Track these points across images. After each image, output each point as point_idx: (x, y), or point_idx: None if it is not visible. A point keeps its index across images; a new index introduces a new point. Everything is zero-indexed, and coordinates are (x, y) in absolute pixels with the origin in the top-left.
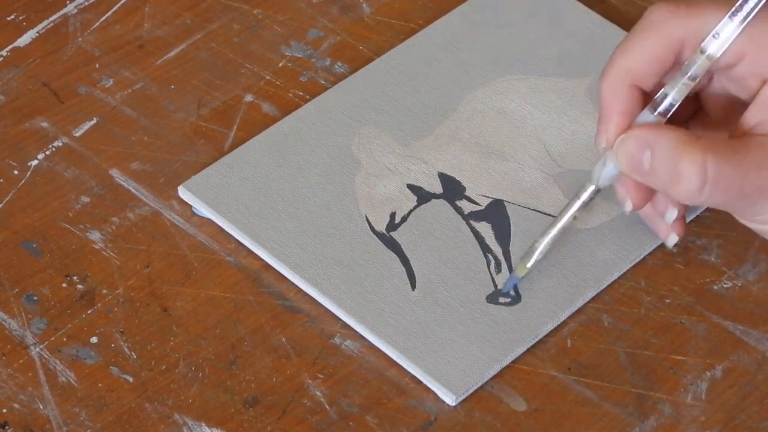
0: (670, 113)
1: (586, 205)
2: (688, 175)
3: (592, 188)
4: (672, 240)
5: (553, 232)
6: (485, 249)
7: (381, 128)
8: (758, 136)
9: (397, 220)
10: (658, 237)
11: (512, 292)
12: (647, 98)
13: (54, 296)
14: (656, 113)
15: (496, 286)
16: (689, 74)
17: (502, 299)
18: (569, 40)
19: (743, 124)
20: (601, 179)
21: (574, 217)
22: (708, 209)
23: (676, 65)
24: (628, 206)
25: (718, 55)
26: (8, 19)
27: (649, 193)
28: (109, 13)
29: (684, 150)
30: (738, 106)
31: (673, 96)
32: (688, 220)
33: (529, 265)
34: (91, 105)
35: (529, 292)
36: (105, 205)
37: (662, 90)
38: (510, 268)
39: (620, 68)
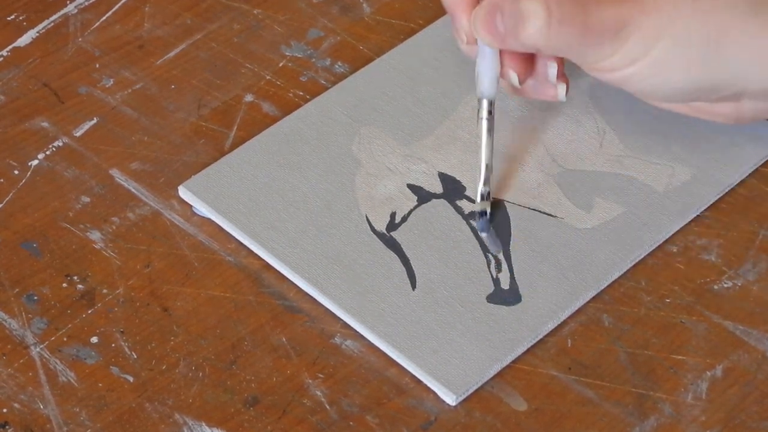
0: None
1: (489, 120)
2: (534, 12)
3: (484, 102)
4: (562, 91)
5: (483, 152)
6: (485, 249)
7: (381, 128)
8: None
9: (397, 220)
10: (551, 100)
11: (484, 227)
12: None
13: (54, 296)
14: None
15: (496, 285)
16: None
17: (481, 232)
18: None
19: None
20: (483, 85)
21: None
22: (708, 209)
23: None
24: (514, 77)
25: None
26: (8, 19)
27: (525, 60)
28: (109, 13)
29: None
30: None
31: None
32: (687, 219)
33: (480, 189)
34: (91, 105)
35: (529, 292)
36: (105, 205)
37: None
38: (510, 268)
39: None
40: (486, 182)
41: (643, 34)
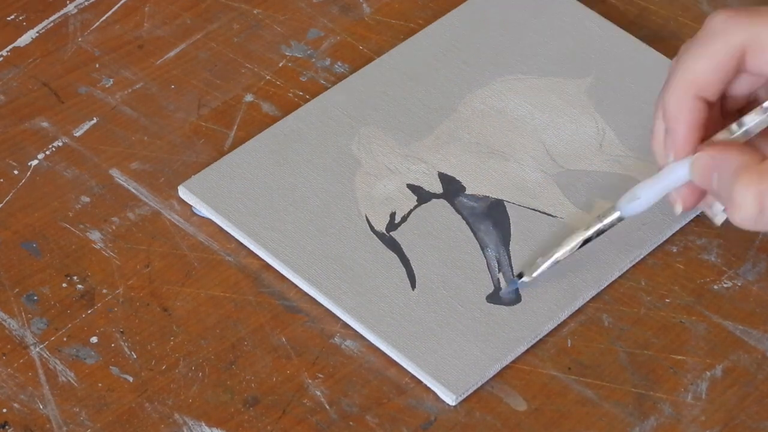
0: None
1: (602, 232)
2: (742, 202)
3: (616, 215)
4: (719, 219)
5: (564, 249)
6: (485, 249)
7: (381, 128)
8: None
9: (397, 219)
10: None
11: (511, 295)
12: (711, 108)
13: (54, 296)
14: (742, 130)
15: (496, 285)
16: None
17: (502, 297)
18: (569, 40)
19: None
20: (633, 207)
21: (586, 241)
22: None
23: (739, 72)
24: (679, 208)
25: None
26: (8, 19)
27: (700, 199)
28: (109, 13)
29: (741, 174)
30: None
31: (755, 124)
32: (687, 219)
33: (534, 275)
34: (91, 105)
35: (529, 292)
36: (105, 205)
37: (751, 114)
38: (510, 268)
39: (685, 80)
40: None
41: None
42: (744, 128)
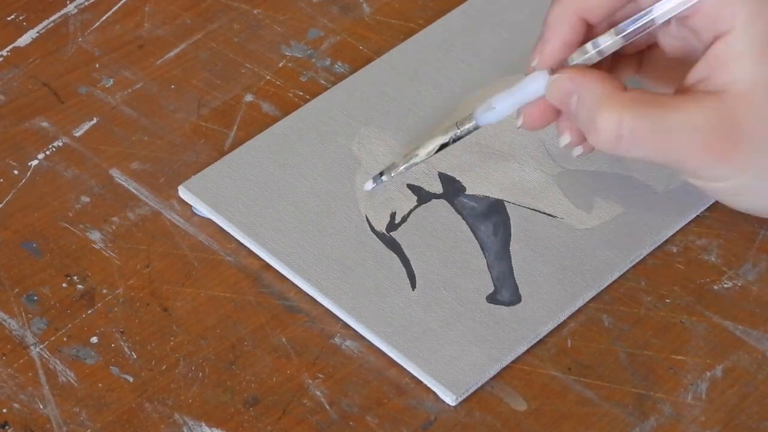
0: (604, 55)
1: (458, 139)
2: (603, 128)
3: (473, 123)
4: (574, 150)
5: (422, 152)
6: (485, 249)
7: (381, 128)
8: (699, 93)
9: (397, 220)
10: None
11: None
12: (591, 31)
13: (54, 296)
14: (596, 50)
15: (496, 285)
16: (624, 33)
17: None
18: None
19: (688, 78)
20: (490, 114)
21: (443, 146)
22: (708, 209)
23: (631, 3)
24: (519, 122)
25: (659, 22)
26: (8, 19)
27: (552, 119)
28: (109, 13)
29: (603, 103)
30: (691, 57)
31: (607, 45)
32: (687, 219)
33: (392, 174)
34: (91, 105)
35: (529, 292)
36: (105, 205)
37: (605, 35)
38: (510, 268)
39: None
40: (392, 170)
41: (731, 166)
42: (597, 49)
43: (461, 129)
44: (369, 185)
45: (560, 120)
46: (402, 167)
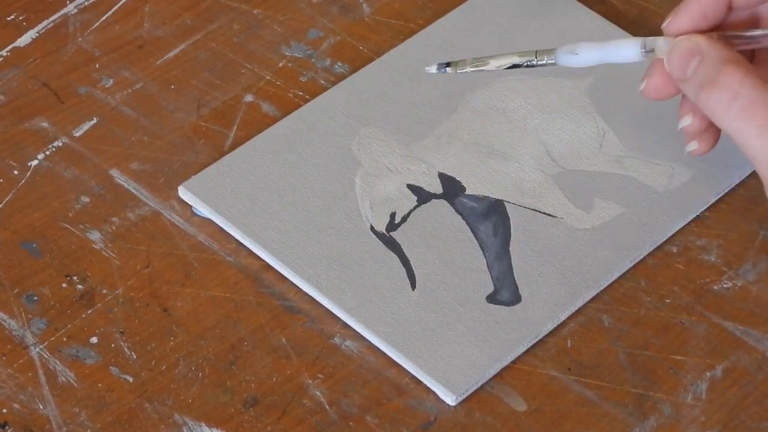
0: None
1: (531, 66)
2: (724, 83)
3: (551, 60)
4: (691, 146)
5: (494, 63)
6: (485, 249)
7: (381, 128)
8: None
9: (397, 220)
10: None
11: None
12: (728, 15)
13: (54, 296)
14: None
15: (496, 285)
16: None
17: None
18: (569, 40)
19: None
20: (576, 57)
21: (515, 66)
22: (708, 209)
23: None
24: (642, 86)
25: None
26: (8, 19)
27: (671, 92)
28: (109, 13)
29: (732, 60)
30: None
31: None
32: (687, 220)
33: (458, 71)
34: (91, 105)
35: (529, 292)
36: (105, 205)
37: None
38: (510, 268)
39: None
40: (469, 64)
41: None
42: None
43: (539, 59)
44: (432, 69)
45: (682, 103)
46: (469, 69)
